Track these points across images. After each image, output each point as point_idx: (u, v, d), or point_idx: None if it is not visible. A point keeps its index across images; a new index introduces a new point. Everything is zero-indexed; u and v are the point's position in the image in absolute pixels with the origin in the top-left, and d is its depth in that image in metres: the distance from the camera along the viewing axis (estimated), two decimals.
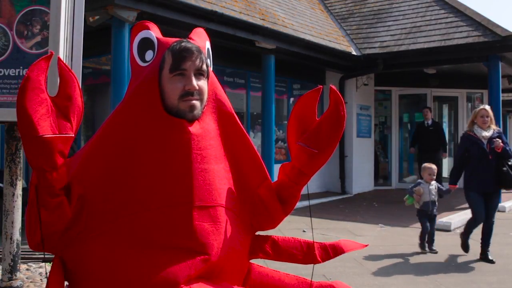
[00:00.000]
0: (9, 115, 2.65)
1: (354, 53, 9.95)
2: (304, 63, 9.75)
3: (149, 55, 1.45)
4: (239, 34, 7.62)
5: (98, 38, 6.92)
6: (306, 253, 1.56)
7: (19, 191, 2.89)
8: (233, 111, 1.57)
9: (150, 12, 6.20)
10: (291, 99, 10.67)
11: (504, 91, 10.71)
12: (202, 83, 1.44)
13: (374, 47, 9.95)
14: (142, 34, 1.47)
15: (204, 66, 1.45)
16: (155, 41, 1.46)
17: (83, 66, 2.90)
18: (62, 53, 2.62)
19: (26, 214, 1.31)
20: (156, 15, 6.30)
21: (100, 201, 1.34)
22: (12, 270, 2.88)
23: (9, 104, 2.65)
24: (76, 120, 1.32)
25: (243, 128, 1.58)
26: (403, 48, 9.48)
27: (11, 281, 2.87)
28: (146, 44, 1.46)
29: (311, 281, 1.53)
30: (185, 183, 1.35)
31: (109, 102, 6.38)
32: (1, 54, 2.66)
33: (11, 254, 2.87)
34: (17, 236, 2.89)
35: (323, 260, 1.56)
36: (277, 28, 8.23)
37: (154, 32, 1.47)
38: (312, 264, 1.54)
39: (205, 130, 1.44)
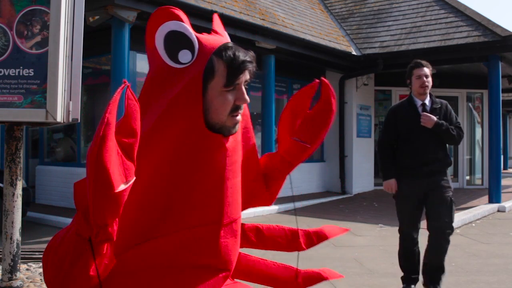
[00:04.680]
0: (9, 115, 2.65)
1: (354, 53, 9.95)
2: (304, 63, 9.75)
3: (185, 56, 1.20)
4: (239, 34, 7.62)
5: (98, 38, 6.93)
6: (290, 240, 1.56)
7: (19, 191, 2.89)
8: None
9: (150, 12, 6.19)
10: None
11: (504, 91, 10.72)
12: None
13: (374, 47, 9.95)
14: (171, 25, 1.19)
15: None
16: (195, 41, 1.20)
17: (83, 66, 2.90)
18: (62, 53, 2.62)
19: (64, 273, 1.11)
20: None
21: (126, 226, 1.20)
22: (12, 270, 2.88)
23: (9, 104, 2.64)
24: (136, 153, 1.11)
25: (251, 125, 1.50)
26: (403, 48, 9.49)
27: (11, 281, 2.87)
28: (177, 39, 1.19)
29: (296, 268, 1.54)
30: (217, 202, 1.28)
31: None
32: (1, 54, 2.66)
33: (11, 254, 2.87)
34: (17, 236, 2.89)
35: (308, 247, 1.57)
36: (277, 28, 8.23)
37: (189, 26, 1.21)
38: (297, 252, 1.55)
39: (236, 142, 1.33)
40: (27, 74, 2.65)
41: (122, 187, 1.02)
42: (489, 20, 9.00)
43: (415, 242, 3.86)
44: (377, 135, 12.30)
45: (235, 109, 1.24)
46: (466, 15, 9.42)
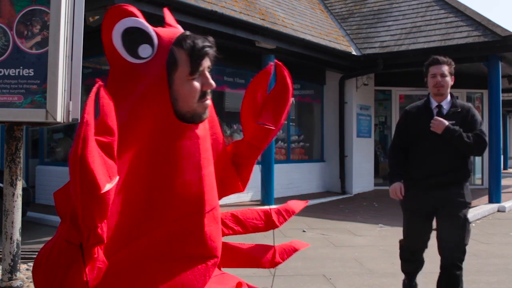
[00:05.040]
0: (9, 115, 2.65)
1: (354, 53, 9.95)
2: (304, 63, 9.74)
3: (145, 50, 1.21)
4: (239, 34, 7.62)
5: (98, 38, 6.91)
6: (265, 221, 1.63)
7: (19, 191, 2.89)
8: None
9: (150, 12, 6.20)
10: (291, 99, 10.65)
11: (504, 91, 10.72)
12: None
13: (374, 47, 9.95)
14: (126, 22, 1.22)
15: None
16: (153, 34, 1.22)
17: (83, 66, 2.90)
18: (62, 53, 2.62)
19: (58, 280, 1.10)
20: (156, 15, 6.29)
21: (111, 228, 1.20)
22: (12, 270, 2.88)
23: (9, 104, 2.64)
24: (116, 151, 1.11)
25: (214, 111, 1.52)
26: (403, 48, 9.49)
27: (11, 281, 2.87)
28: (135, 35, 1.21)
29: (274, 246, 1.62)
30: (197, 191, 1.31)
31: None
32: (1, 54, 2.66)
33: (11, 254, 2.87)
34: (17, 236, 2.89)
35: (281, 224, 1.65)
36: (277, 28, 8.23)
37: (144, 21, 1.23)
38: (272, 230, 1.65)
39: (206, 130, 1.37)
40: (27, 74, 2.65)
41: (108, 186, 1.02)
42: (489, 20, 9.01)
43: (416, 266, 3.48)
44: (377, 135, 12.31)
45: (203, 95, 1.28)
46: (466, 15, 9.42)
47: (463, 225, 3.08)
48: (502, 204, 8.76)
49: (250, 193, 8.87)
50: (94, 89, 1.06)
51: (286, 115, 1.59)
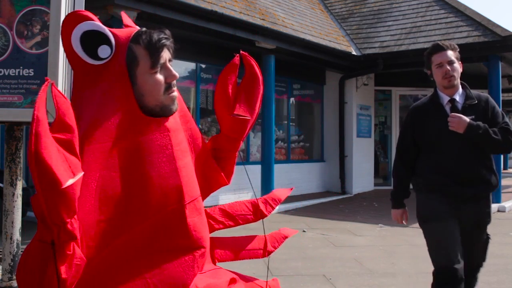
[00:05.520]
0: (9, 115, 2.65)
1: (354, 53, 9.96)
2: (304, 63, 9.75)
3: (104, 51, 1.25)
4: (239, 34, 7.62)
5: None
6: (254, 212, 1.65)
7: (19, 191, 2.89)
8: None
9: (150, 12, 6.20)
10: (291, 99, 10.66)
11: (504, 91, 10.72)
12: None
13: (374, 47, 9.96)
14: (83, 27, 1.24)
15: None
16: (110, 35, 1.26)
17: None
18: (62, 53, 2.62)
19: (33, 279, 1.11)
20: (156, 15, 6.30)
21: (92, 227, 1.21)
22: (12, 270, 2.88)
23: (9, 104, 2.64)
24: (78, 148, 1.14)
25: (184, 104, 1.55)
26: (403, 48, 9.49)
27: (11, 281, 2.87)
28: (93, 38, 1.24)
29: (265, 235, 1.65)
30: (175, 183, 1.32)
31: None
32: (1, 54, 2.66)
33: (11, 254, 2.87)
34: (17, 236, 2.89)
35: (269, 213, 1.67)
36: (277, 28, 8.24)
37: (100, 23, 1.26)
38: (262, 220, 1.66)
39: (176, 122, 1.38)
40: (27, 74, 2.65)
41: (70, 182, 1.04)
42: (489, 20, 9.01)
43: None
44: (377, 135, 12.32)
45: (168, 87, 1.31)
46: (466, 15, 9.42)
47: (486, 244, 2.70)
48: (502, 204, 8.77)
49: (250, 193, 8.87)
50: (44, 87, 1.09)
51: (260, 103, 1.61)
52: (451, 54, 2.67)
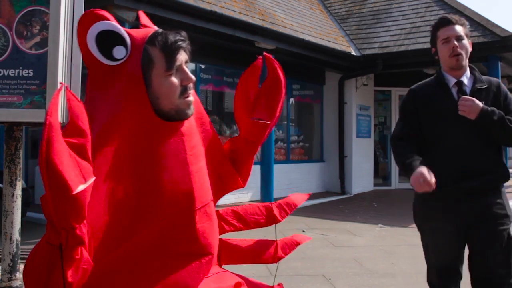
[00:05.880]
0: (9, 115, 2.65)
1: (353, 53, 9.96)
2: (303, 63, 9.75)
3: (119, 52, 1.23)
4: (239, 35, 7.62)
5: None
6: (267, 216, 1.62)
7: (18, 192, 2.89)
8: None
9: (149, 12, 6.19)
10: (291, 99, 10.66)
11: None
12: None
13: (374, 48, 9.96)
14: (99, 26, 1.22)
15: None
16: (126, 35, 1.24)
17: (83, 66, 2.90)
18: (61, 53, 2.62)
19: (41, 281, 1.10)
20: (155, 15, 6.30)
21: (101, 230, 1.21)
22: (11, 270, 2.88)
23: (9, 104, 2.64)
24: (90, 153, 1.12)
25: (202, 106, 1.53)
26: (402, 48, 9.49)
27: (10, 281, 2.87)
28: (109, 38, 1.22)
29: (276, 240, 1.62)
30: (186, 188, 1.30)
31: None
32: (0, 54, 2.66)
33: (10, 255, 2.87)
34: (16, 236, 2.89)
35: (283, 218, 1.64)
36: (277, 28, 8.24)
37: (116, 23, 1.24)
38: (274, 224, 1.64)
39: (191, 126, 1.35)
40: (26, 75, 2.65)
41: (81, 187, 1.03)
42: (488, 20, 9.01)
43: (455, 279, 2.37)
44: (377, 136, 12.32)
45: (184, 90, 1.28)
46: (465, 15, 9.42)
47: (508, 246, 2.24)
48: None
49: (249, 193, 8.87)
50: (57, 92, 1.08)
51: (281, 107, 1.58)
52: (459, 29, 2.34)
